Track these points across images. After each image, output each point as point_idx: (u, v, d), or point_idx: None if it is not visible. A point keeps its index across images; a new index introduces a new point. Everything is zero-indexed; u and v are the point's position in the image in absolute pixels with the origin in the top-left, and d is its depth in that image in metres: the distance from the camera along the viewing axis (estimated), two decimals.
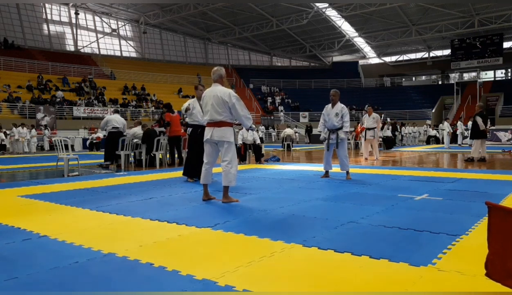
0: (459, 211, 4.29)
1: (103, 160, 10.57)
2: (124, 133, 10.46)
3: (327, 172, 7.51)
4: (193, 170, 7.19)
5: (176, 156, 10.55)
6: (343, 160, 7.26)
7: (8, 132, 19.05)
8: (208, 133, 4.89)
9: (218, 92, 4.82)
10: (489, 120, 11.93)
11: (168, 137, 10.21)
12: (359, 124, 15.03)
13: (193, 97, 7.86)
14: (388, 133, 18.15)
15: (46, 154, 17.49)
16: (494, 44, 33.32)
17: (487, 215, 2.03)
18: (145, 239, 3.30)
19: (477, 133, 10.83)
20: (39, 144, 20.85)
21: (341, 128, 7.25)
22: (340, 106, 7.30)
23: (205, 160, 5.09)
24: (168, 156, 10.93)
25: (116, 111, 11.81)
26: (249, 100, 36.52)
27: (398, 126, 22.44)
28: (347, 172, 7.29)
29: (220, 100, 4.78)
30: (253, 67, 42.51)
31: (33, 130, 20.11)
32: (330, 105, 7.38)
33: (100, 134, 20.64)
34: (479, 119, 10.76)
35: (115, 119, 10.50)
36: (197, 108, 7.03)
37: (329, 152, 7.44)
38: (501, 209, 2.00)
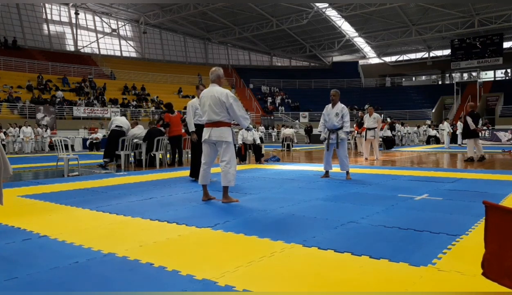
0: (459, 211, 4.29)
1: (102, 160, 10.57)
2: (127, 135, 10.49)
3: (327, 172, 7.51)
4: (196, 170, 7.15)
5: (176, 155, 10.55)
6: (343, 160, 7.26)
7: (6, 132, 19.10)
8: (206, 133, 4.94)
9: (216, 92, 4.85)
10: (480, 119, 12.07)
11: (169, 137, 10.21)
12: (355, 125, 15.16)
13: (193, 97, 7.88)
14: (388, 133, 18.16)
15: (45, 154, 17.49)
16: (494, 44, 33.32)
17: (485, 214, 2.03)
18: (145, 239, 3.30)
19: (468, 133, 11.00)
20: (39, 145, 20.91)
21: (341, 128, 7.26)
22: (340, 106, 7.31)
23: (203, 160, 5.10)
24: (168, 156, 10.94)
25: (122, 115, 11.88)
26: (249, 100, 36.51)
27: (396, 125, 22.39)
28: (347, 172, 7.30)
29: (217, 100, 4.81)
30: (253, 67, 42.51)
31: (48, 130, 20.82)
32: (330, 105, 7.39)
33: (100, 134, 20.65)
34: (469, 119, 10.91)
35: (120, 120, 10.71)
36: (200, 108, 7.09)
37: (329, 152, 7.45)
38: (499, 209, 2.00)
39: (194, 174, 7.24)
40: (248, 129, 5.50)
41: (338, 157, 7.36)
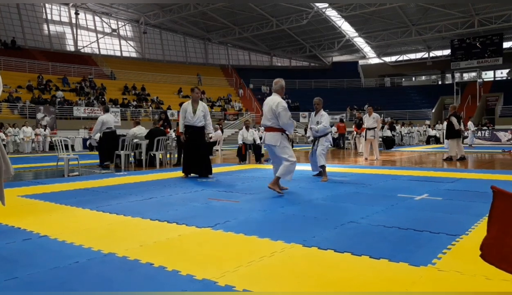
0: (459, 211, 4.29)
1: (102, 163, 10.48)
2: (124, 133, 10.47)
3: (320, 173, 7.50)
4: (187, 167, 7.77)
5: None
6: (319, 156, 7.24)
7: (6, 132, 19.13)
8: (263, 137, 5.78)
9: (271, 101, 5.55)
10: (462, 121, 12.53)
11: (177, 137, 10.23)
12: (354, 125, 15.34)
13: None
14: (388, 133, 18.17)
15: (45, 154, 17.49)
16: (494, 44, 33.30)
17: (489, 209, 2.03)
18: (145, 239, 3.30)
19: (452, 133, 11.26)
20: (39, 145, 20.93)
21: (323, 136, 7.39)
22: (320, 114, 7.46)
23: (271, 158, 5.92)
24: (175, 155, 10.95)
25: (107, 110, 11.12)
26: (249, 100, 36.51)
27: (397, 126, 22.39)
28: (323, 168, 7.21)
29: (270, 108, 5.51)
30: (253, 67, 42.46)
31: (47, 130, 20.89)
32: (314, 113, 7.50)
33: (99, 134, 20.60)
34: (454, 120, 11.20)
35: (110, 120, 10.49)
36: (189, 110, 7.66)
37: (313, 156, 7.48)
38: (506, 195, 2.00)
39: (185, 170, 7.78)
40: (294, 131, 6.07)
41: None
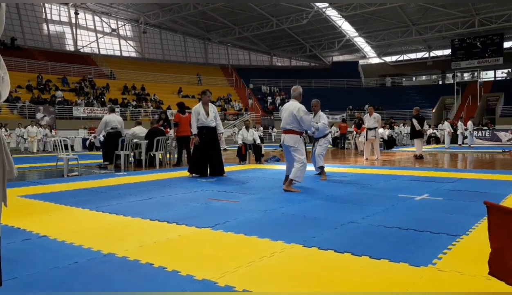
0: (459, 211, 4.29)
1: (102, 160, 10.53)
2: (124, 134, 10.44)
3: (320, 172, 7.56)
4: (195, 167, 7.85)
5: (185, 155, 10.53)
6: (317, 157, 7.50)
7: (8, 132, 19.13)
8: (282, 138, 6.18)
9: (292, 107, 5.96)
10: (425, 122, 13.64)
11: (177, 137, 10.21)
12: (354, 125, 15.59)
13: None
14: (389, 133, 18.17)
15: (46, 154, 17.49)
16: (495, 44, 33.29)
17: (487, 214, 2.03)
18: (145, 239, 3.30)
19: (415, 134, 12.25)
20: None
21: (322, 137, 7.60)
22: (318, 115, 7.63)
23: (286, 159, 6.31)
24: (175, 155, 10.94)
25: (112, 110, 11.04)
26: (249, 100, 36.48)
27: (396, 127, 22.38)
28: (322, 170, 7.40)
29: (291, 113, 5.93)
30: (253, 67, 42.44)
31: (53, 131, 20.88)
32: (312, 115, 7.56)
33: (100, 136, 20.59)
34: (414, 121, 12.21)
35: (115, 120, 10.40)
36: (202, 112, 7.87)
37: (313, 156, 7.70)
38: (500, 209, 2.00)
39: (193, 170, 7.86)
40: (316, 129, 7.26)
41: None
